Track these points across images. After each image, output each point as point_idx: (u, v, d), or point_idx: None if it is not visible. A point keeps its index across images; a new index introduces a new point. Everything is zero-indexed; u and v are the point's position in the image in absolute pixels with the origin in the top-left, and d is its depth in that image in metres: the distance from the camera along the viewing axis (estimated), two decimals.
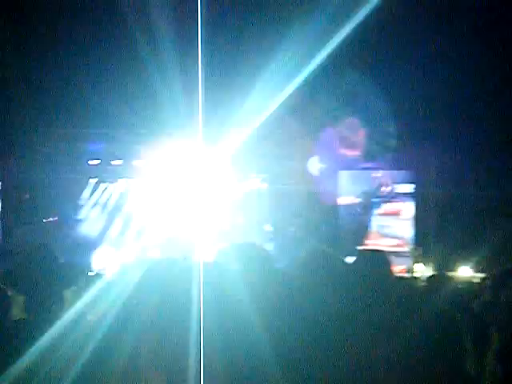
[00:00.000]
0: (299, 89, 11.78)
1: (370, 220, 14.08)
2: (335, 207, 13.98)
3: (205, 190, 17.57)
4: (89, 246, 16.11)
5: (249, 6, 11.47)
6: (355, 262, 3.20)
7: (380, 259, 3.17)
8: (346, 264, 3.27)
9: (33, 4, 11.45)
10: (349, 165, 13.74)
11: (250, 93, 11.71)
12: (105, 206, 17.31)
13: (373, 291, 2.93)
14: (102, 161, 16.02)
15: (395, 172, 14.08)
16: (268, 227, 16.47)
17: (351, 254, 3.33)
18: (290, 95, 11.91)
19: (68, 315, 3.10)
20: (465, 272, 10.51)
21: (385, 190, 13.99)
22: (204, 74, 8.55)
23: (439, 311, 3.04)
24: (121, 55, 11.84)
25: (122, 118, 12.73)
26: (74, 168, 16.28)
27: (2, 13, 10.92)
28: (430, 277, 4.90)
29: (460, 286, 4.76)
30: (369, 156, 13.32)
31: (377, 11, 10.43)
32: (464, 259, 11.22)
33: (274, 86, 11.62)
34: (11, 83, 11.89)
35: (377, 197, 14.03)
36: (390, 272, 3.17)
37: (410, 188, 13.84)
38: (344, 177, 14.03)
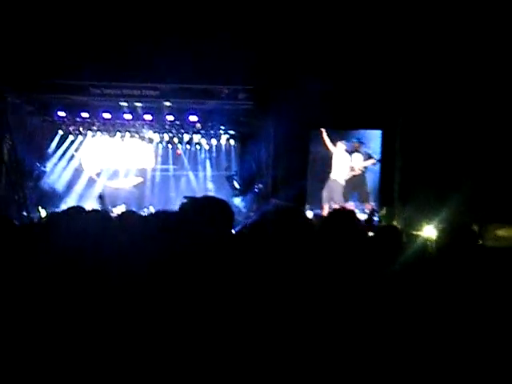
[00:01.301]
0: None
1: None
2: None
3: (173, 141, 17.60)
4: (55, 198, 16.05)
5: None
6: (324, 220, 3.20)
7: (348, 218, 3.17)
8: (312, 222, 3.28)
9: None
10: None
11: None
12: (71, 158, 17.22)
13: (341, 250, 2.93)
14: (69, 112, 15.84)
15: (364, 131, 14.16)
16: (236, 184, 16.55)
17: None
18: None
19: None
20: (429, 231, 10.65)
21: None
22: None
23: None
24: None
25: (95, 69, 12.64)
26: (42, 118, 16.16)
27: None
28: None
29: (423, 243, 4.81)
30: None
31: None
32: (428, 218, 11.36)
33: None
34: None
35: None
36: (358, 231, 3.18)
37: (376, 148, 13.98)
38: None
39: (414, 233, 9.54)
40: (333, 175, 14.32)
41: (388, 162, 13.58)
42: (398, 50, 12.30)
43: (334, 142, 14.21)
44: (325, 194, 14.19)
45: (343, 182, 14.34)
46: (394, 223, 12.39)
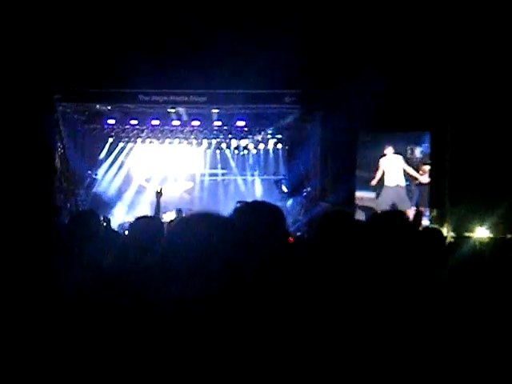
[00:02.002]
0: None
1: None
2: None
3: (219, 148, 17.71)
4: (106, 205, 16.27)
5: None
6: (370, 223, 3.17)
7: (399, 220, 3.13)
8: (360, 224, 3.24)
9: None
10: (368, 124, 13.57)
11: None
12: (121, 165, 17.45)
13: (391, 252, 2.91)
14: (119, 120, 16.06)
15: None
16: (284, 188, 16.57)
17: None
18: None
19: None
20: (482, 233, 10.52)
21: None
22: None
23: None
24: None
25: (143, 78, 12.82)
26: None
27: None
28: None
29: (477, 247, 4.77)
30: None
31: None
32: (480, 221, 11.22)
33: None
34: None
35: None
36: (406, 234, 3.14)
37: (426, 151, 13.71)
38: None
39: (465, 235, 9.44)
40: (389, 182, 13.89)
41: (438, 163, 13.40)
42: (448, 50, 12.18)
43: (383, 145, 13.95)
44: (382, 200, 13.70)
45: (404, 186, 13.88)
46: (445, 225, 12.26)
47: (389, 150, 13.88)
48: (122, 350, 2.29)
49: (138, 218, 4.32)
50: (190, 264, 2.32)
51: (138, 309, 2.35)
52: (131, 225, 4.36)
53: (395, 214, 3.13)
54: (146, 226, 4.14)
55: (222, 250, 2.34)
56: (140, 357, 2.22)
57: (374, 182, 13.66)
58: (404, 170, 13.77)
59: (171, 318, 2.24)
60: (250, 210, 2.87)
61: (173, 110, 15.27)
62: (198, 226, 2.41)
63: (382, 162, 13.84)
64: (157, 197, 6.48)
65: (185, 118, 15.62)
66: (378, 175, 13.73)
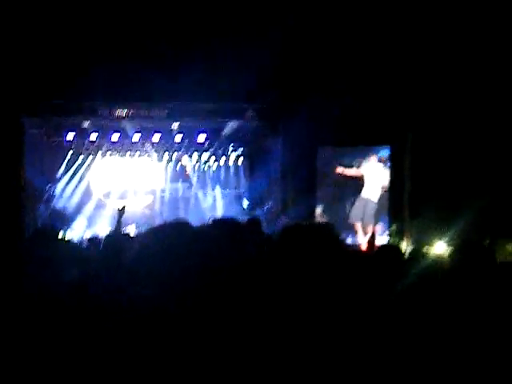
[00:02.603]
0: None
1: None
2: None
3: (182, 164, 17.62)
4: (65, 220, 16.08)
5: None
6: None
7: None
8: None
9: None
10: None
11: None
12: (81, 179, 17.26)
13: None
14: (78, 134, 15.91)
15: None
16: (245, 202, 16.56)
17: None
18: None
19: None
20: (440, 247, 10.59)
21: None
22: None
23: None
24: None
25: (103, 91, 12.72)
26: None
27: None
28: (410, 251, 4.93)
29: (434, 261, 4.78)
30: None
31: None
32: (439, 234, 11.31)
33: None
34: None
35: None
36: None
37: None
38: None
39: (424, 250, 9.49)
40: (364, 193, 13.86)
41: (397, 177, 13.50)
42: (408, 65, 12.31)
43: (350, 162, 13.91)
44: (354, 212, 13.81)
45: (376, 201, 13.86)
46: (404, 240, 12.35)
47: (372, 162, 13.88)
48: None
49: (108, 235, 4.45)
50: (162, 270, 2.33)
51: (110, 315, 2.33)
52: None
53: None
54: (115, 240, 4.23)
55: (194, 258, 2.35)
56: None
57: None
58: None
59: (144, 321, 2.23)
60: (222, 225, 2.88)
61: (133, 124, 15.19)
62: (172, 234, 2.41)
63: (365, 168, 13.87)
64: (118, 214, 6.41)
65: (129, 133, 15.55)
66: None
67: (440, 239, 11.22)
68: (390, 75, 12.52)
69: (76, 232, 15.30)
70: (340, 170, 13.73)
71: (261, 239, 4.29)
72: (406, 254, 4.74)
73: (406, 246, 11.73)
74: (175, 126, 15.37)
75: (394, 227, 13.05)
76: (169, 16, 12.16)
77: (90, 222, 16.59)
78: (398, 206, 13.36)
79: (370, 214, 13.66)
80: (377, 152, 13.83)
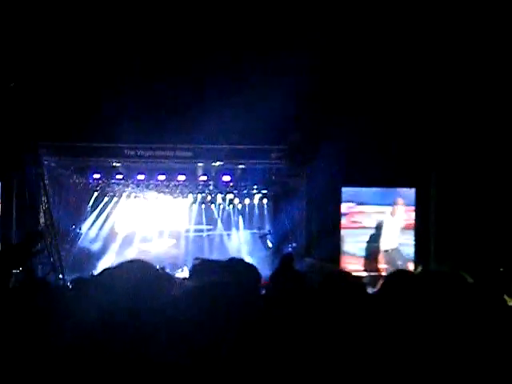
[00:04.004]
0: None
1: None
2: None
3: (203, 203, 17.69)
4: (90, 260, 16.16)
5: None
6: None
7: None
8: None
9: None
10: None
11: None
12: (106, 219, 17.37)
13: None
14: (104, 174, 16.07)
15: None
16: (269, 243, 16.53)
17: None
18: None
19: None
20: None
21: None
22: None
23: None
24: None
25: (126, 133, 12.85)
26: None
27: None
28: None
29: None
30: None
31: None
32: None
33: None
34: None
35: None
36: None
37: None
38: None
39: None
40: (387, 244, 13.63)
41: (423, 219, 13.40)
42: (432, 105, 12.31)
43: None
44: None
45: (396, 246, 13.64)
46: None
47: (400, 207, 13.69)
48: None
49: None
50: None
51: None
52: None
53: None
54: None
55: None
56: None
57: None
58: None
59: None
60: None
61: (159, 165, 15.31)
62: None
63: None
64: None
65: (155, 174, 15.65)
66: None
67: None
68: (412, 115, 12.53)
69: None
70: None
71: (294, 275, 4.28)
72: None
73: None
74: (200, 166, 15.46)
75: (419, 268, 12.91)
76: (195, 59, 12.32)
77: (118, 260, 16.64)
78: (424, 248, 13.23)
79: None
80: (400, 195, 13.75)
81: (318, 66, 11.91)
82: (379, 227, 13.53)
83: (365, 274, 12.76)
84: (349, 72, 12.28)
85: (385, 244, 13.51)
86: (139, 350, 2.29)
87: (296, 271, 5.17)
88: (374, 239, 13.53)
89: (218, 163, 15.07)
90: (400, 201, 13.59)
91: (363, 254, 13.51)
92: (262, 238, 16.92)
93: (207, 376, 2.20)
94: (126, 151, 14.37)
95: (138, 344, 2.32)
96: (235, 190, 17.06)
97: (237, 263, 3.05)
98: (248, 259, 16.00)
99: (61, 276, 13.49)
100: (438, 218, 13.05)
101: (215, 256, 15.40)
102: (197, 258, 2.97)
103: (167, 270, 13.40)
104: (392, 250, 13.51)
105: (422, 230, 13.40)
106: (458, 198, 12.47)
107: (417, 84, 12.13)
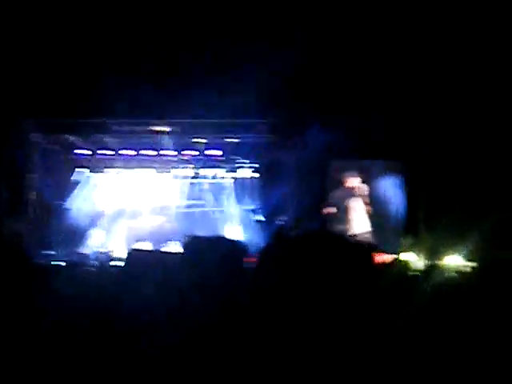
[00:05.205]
0: None
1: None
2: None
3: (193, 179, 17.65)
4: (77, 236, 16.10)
5: None
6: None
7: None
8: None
9: None
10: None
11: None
12: (93, 195, 17.28)
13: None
14: (92, 150, 15.99)
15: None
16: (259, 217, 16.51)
17: None
18: None
19: None
20: (455, 261, 10.51)
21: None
22: None
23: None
24: None
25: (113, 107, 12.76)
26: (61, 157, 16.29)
27: None
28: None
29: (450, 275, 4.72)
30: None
31: None
32: (454, 248, 11.21)
33: None
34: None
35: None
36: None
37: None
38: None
39: (437, 263, 9.43)
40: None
41: (411, 191, 13.45)
42: (422, 80, 12.30)
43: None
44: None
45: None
46: (418, 252, 12.26)
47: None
48: None
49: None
50: None
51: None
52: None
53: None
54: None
55: None
56: None
57: None
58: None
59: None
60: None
61: (148, 140, 15.24)
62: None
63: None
64: None
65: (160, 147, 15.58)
66: None
67: (456, 253, 11.13)
68: (404, 90, 12.51)
69: (91, 248, 15.34)
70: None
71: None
72: (417, 268, 4.70)
73: (420, 260, 11.64)
74: (189, 142, 15.41)
75: (407, 240, 12.95)
76: (183, 34, 12.22)
77: (106, 236, 16.60)
78: (412, 219, 13.30)
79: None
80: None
81: (307, 41, 11.85)
82: None
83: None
84: (339, 46, 12.23)
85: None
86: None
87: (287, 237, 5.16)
88: None
89: (206, 139, 15.05)
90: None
91: None
92: (253, 212, 16.89)
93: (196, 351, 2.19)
94: (114, 126, 14.30)
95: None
96: (226, 164, 16.99)
97: (223, 239, 3.09)
98: (240, 234, 16.09)
99: (51, 252, 13.46)
100: (427, 191, 13.10)
101: (206, 232, 15.38)
102: (187, 235, 3.03)
103: (157, 246, 13.44)
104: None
105: (410, 201, 13.47)
106: (448, 171, 12.51)
107: (411, 57, 12.10)
